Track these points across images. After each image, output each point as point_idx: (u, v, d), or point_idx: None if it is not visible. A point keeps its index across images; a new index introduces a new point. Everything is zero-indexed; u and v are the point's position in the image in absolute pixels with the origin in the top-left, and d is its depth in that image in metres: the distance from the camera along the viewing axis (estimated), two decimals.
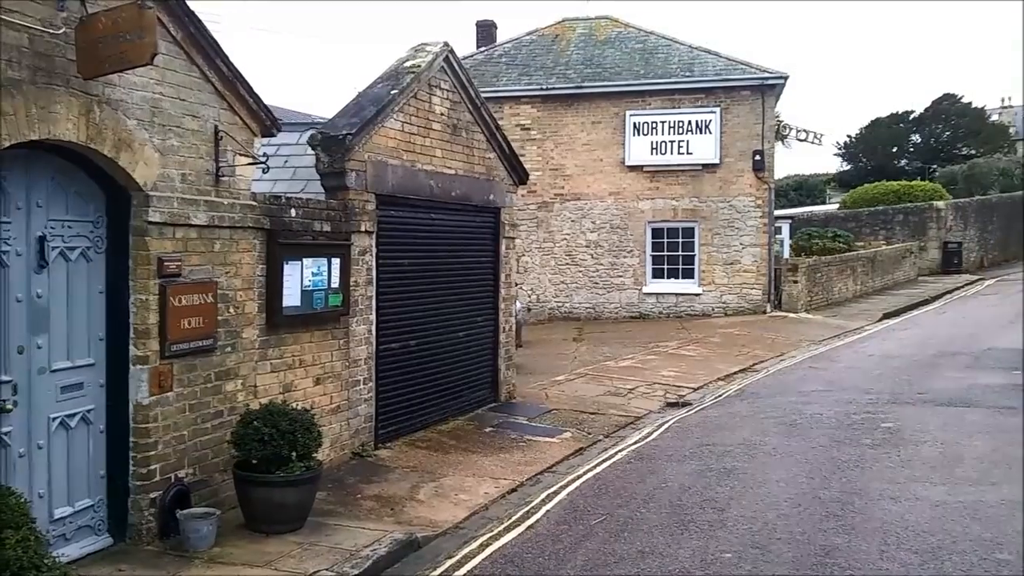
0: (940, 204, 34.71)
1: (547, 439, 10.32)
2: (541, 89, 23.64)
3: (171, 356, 6.50)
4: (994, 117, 64.73)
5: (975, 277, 31.14)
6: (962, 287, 28.58)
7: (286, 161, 9.75)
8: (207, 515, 6.42)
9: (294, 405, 7.35)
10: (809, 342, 18.16)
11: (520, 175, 12.65)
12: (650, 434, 10.53)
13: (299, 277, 8.00)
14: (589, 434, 10.72)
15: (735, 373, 14.85)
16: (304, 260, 8.08)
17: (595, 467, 9.15)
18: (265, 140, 7.80)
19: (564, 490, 8.22)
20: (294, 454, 6.79)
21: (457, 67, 10.82)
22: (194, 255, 6.72)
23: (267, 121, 7.50)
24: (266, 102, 7.50)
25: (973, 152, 54.48)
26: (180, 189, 6.57)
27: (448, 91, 10.72)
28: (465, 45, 28.75)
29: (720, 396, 12.84)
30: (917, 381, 12.89)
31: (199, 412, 6.84)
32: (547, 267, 23.82)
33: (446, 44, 10.56)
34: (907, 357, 15.36)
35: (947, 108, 59.13)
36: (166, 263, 6.40)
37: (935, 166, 53.06)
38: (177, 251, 6.54)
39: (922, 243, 33.08)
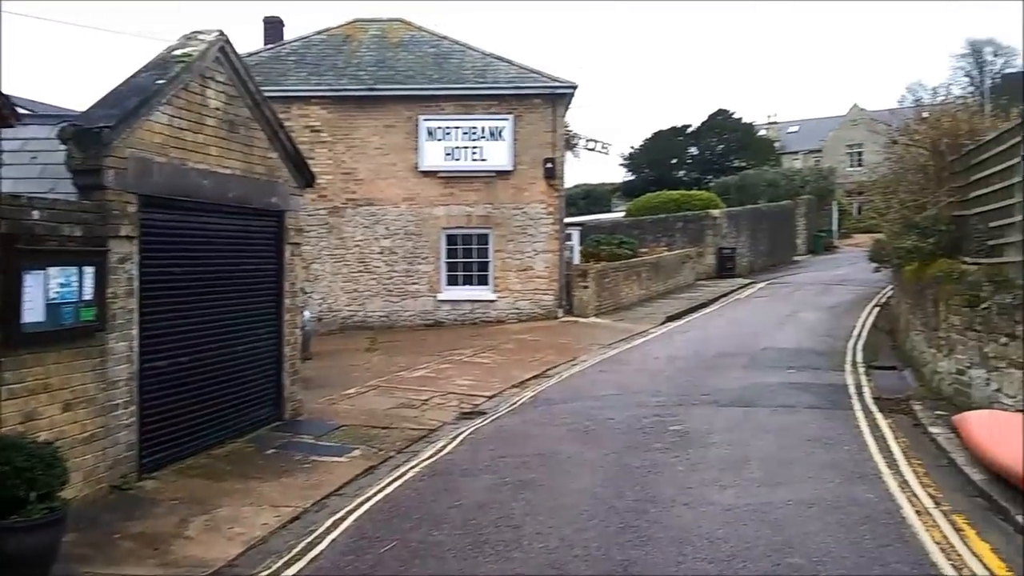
0: (715, 212, 36.80)
1: (335, 459, 9.70)
2: (332, 90, 22.84)
3: None
4: (762, 132, 69.79)
5: (747, 281, 33.16)
6: (736, 290, 30.31)
7: (34, 157, 8.56)
8: None
9: (38, 437, 6.37)
10: (599, 346, 18.48)
11: (307, 177, 11.94)
12: (444, 447, 10.15)
13: (43, 289, 6.98)
14: (380, 450, 10.20)
15: (529, 379, 14.78)
16: (49, 269, 7.08)
17: (386, 487, 8.66)
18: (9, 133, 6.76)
19: (352, 515, 7.67)
20: (33, 494, 5.85)
21: (235, 58, 10.00)
22: None
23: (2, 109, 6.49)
24: (8, 91, 6.48)
25: (744, 164, 58.36)
26: None
27: (225, 84, 9.88)
28: (252, 43, 27.44)
29: (515, 404, 12.68)
30: (701, 382, 13.30)
31: None
32: (339, 275, 23.00)
33: (221, 33, 9.73)
34: (690, 358, 15.90)
35: (721, 123, 63.17)
36: None
37: (710, 177, 56.42)
38: None
39: (700, 249, 34.88)
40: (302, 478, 8.86)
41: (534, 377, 15.03)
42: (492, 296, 22.92)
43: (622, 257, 27.48)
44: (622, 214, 43.16)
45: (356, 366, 16.19)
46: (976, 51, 69.04)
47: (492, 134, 22.89)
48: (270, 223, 11.13)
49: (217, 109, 9.72)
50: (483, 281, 23.11)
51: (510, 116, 22.84)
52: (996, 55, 67.93)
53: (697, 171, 60.18)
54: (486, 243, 23.05)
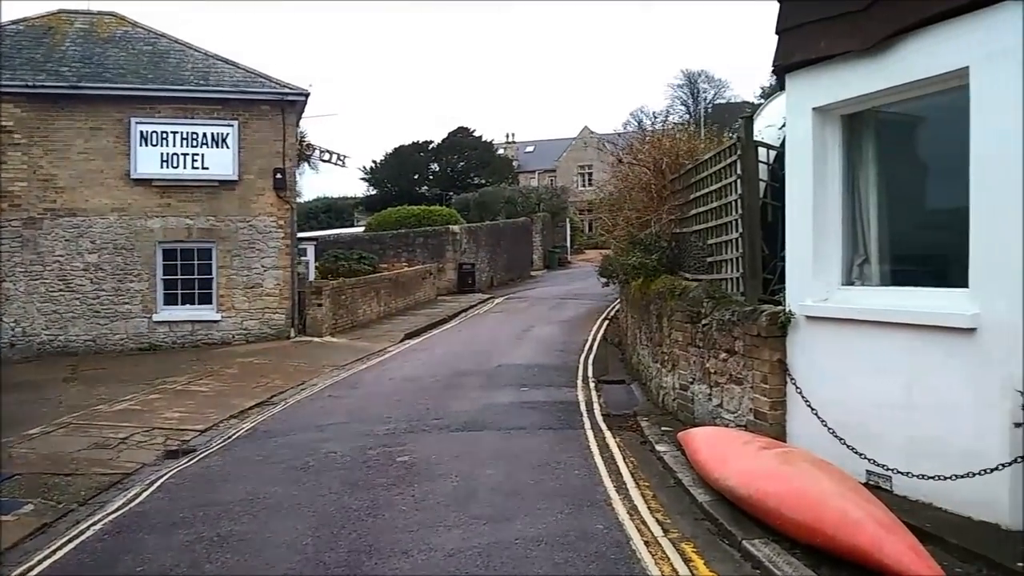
0: (455, 228, 36.82)
1: None
2: (27, 86, 20.18)
3: None
4: (500, 151, 71.64)
5: (487, 296, 33.38)
6: (476, 305, 30.33)
7: None
8: None
9: None
10: (333, 367, 17.46)
11: None
12: (138, 495, 8.78)
13: None
14: (60, 504, 8.67)
15: (251, 408, 13.51)
16: None
17: (58, 550, 7.26)
18: None
19: None
20: None
21: None
22: None
23: None
24: None
25: (483, 181, 59.43)
26: None
27: None
28: None
29: (230, 438, 11.40)
30: (435, 405, 12.68)
31: None
32: (35, 294, 20.28)
33: None
34: (426, 379, 15.29)
35: (462, 140, 64.01)
36: None
37: (452, 193, 56.89)
38: None
39: (441, 264, 34.70)
40: None
41: (257, 405, 13.77)
42: (216, 316, 21.21)
43: (361, 273, 26.60)
44: (363, 228, 42.23)
45: (47, 400, 14.12)
46: (691, 82, 75.00)
47: (215, 141, 21.26)
48: None
49: None
50: (206, 300, 21.34)
51: (235, 122, 21.34)
52: (708, 85, 74.17)
53: (439, 187, 60.51)
54: (209, 258, 21.32)
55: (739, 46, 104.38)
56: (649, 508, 7.54)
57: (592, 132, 70.95)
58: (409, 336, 22.67)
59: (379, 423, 11.54)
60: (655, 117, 59.91)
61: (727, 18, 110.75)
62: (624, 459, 9.30)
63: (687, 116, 58.02)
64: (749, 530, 6.55)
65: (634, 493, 8.00)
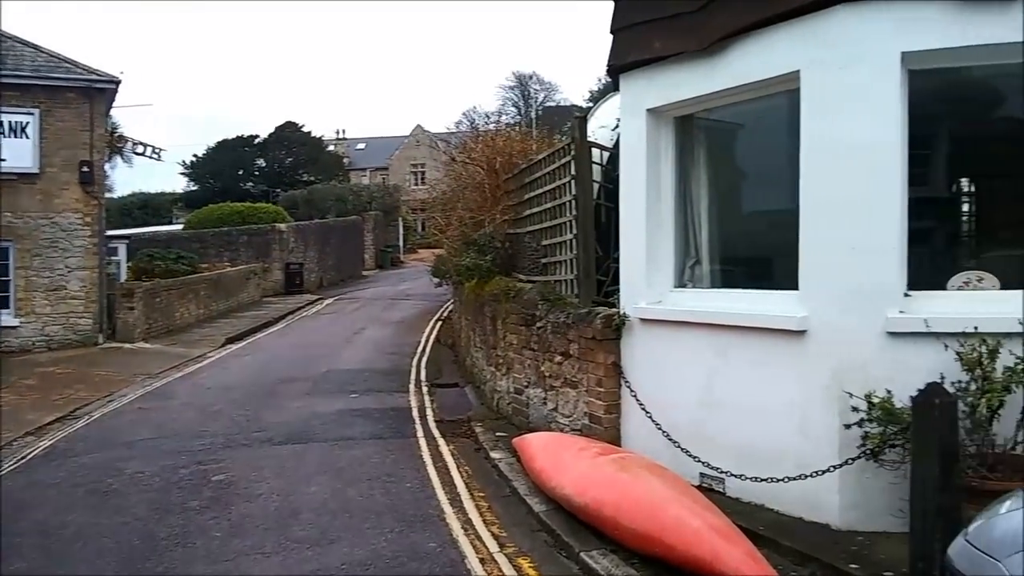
0: (282, 226, 35.45)
1: None
2: None
3: None
4: (331, 147, 70.02)
5: (316, 297, 32.28)
6: (304, 307, 29.25)
7: None
8: None
9: None
10: (145, 376, 16.20)
11: None
12: None
13: None
14: None
15: (50, 424, 12.23)
16: None
17: None
18: None
19: None
20: None
21: None
22: None
23: None
24: None
25: (313, 178, 57.78)
26: None
27: None
28: None
29: (23, 459, 10.22)
30: (256, 416, 11.91)
31: None
32: None
33: None
34: (247, 387, 14.41)
35: (289, 136, 61.97)
36: None
37: (279, 190, 55.00)
38: None
39: (266, 264, 33.27)
40: None
41: (58, 420, 12.49)
42: (14, 322, 19.34)
43: (179, 273, 24.99)
44: (182, 226, 40.02)
45: None
46: (522, 84, 75.91)
47: (13, 130, 19.38)
48: None
49: None
50: (2, 304, 19.40)
51: (36, 110, 19.55)
52: (539, 87, 75.29)
53: (265, 183, 58.40)
54: (6, 259, 19.45)
55: (568, 50, 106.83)
56: (484, 521, 7.22)
57: (425, 130, 70.55)
58: (231, 340, 21.46)
59: (193, 438, 10.68)
60: (488, 118, 60.17)
61: (556, 21, 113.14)
62: (458, 468, 8.96)
63: (518, 117, 58.59)
64: (587, 541, 6.34)
65: (469, 506, 7.67)
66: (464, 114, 78.72)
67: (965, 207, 7.82)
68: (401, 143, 74.16)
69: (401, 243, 54.65)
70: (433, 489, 8.21)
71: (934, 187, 7.38)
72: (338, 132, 78.24)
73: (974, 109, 7.01)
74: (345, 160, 71.02)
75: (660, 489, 6.13)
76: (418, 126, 73.30)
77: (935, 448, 4.83)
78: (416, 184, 69.79)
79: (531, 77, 75.46)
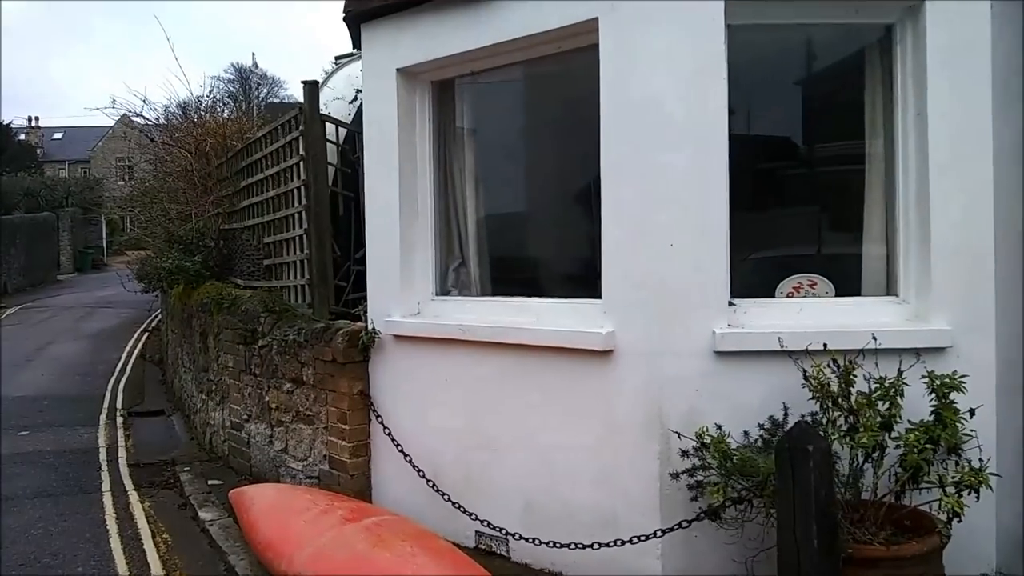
0: None
1: None
2: None
3: None
4: (22, 136, 62.48)
5: None
6: None
7: None
8: None
9: None
10: None
11: None
12: None
13: None
14: None
15: None
16: None
17: None
18: None
19: None
20: None
21: None
22: None
23: None
24: None
25: None
26: None
27: None
28: None
29: None
30: None
31: None
32: None
33: None
34: None
35: None
36: None
37: None
38: None
39: None
40: None
41: None
42: None
43: None
44: None
45: None
46: (243, 77, 71.37)
47: None
48: None
49: None
50: None
51: None
52: (262, 83, 71.23)
53: None
54: None
55: (293, 46, 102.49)
56: None
57: (133, 119, 64.30)
58: None
59: None
60: (200, 104, 55.66)
61: (280, 16, 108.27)
62: (154, 537, 6.78)
63: (239, 113, 54.77)
64: None
65: None
66: (178, 105, 72.88)
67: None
68: (105, 133, 67.09)
69: (104, 244, 49.09)
70: (115, 573, 6.03)
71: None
72: (30, 120, 69.59)
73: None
74: (39, 151, 63.30)
75: (431, 572, 4.52)
76: (125, 115, 66.72)
77: (812, 508, 3.59)
78: (124, 179, 63.42)
79: (252, 69, 71.24)
